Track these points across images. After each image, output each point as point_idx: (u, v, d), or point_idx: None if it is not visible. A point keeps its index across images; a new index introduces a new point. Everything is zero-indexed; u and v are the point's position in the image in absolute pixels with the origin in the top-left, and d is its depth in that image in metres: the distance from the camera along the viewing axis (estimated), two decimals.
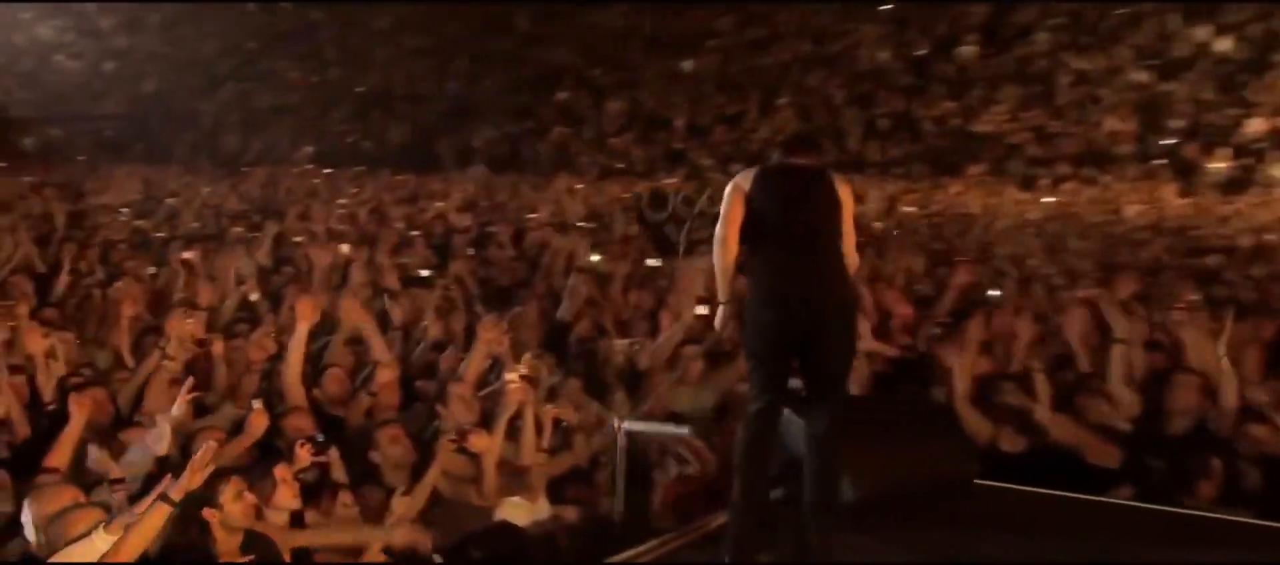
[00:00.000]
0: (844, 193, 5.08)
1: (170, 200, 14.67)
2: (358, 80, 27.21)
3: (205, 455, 4.23)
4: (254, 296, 8.29)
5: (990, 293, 9.23)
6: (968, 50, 25.70)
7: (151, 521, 4.08)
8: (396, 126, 25.05)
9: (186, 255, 9.42)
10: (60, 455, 5.19)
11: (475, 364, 6.39)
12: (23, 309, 6.68)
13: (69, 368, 6.78)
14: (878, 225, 14.43)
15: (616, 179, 21.17)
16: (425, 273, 9.65)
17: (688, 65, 26.90)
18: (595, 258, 9.69)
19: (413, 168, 21.90)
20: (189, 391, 5.54)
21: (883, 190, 19.01)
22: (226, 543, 4.64)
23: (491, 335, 6.45)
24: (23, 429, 5.73)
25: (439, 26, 28.43)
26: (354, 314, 7.06)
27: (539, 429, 5.94)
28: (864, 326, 7.58)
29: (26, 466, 5.36)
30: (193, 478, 4.19)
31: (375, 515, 5.33)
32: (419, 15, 28.76)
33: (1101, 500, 6.08)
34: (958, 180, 20.60)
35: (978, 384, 6.89)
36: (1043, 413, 6.44)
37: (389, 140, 24.80)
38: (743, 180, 5.08)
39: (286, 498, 5.02)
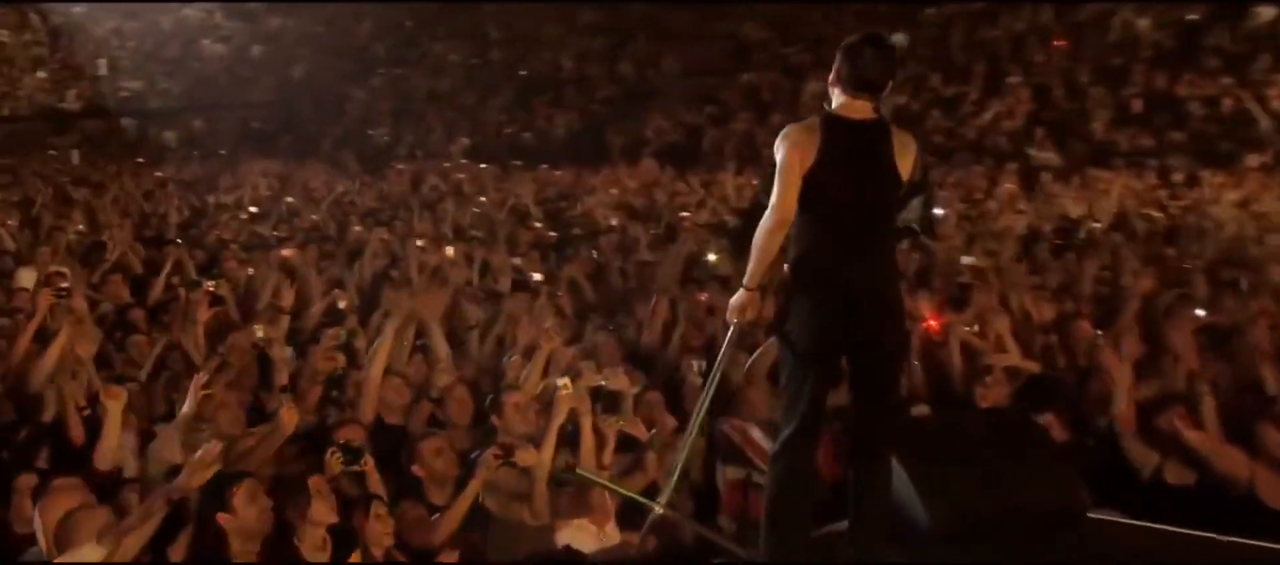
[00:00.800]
0: (903, 161, 4.91)
1: (289, 199, 15.75)
2: (522, 63, 28.22)
3: (207, 455, 4.77)
4: (343, 303, 8.96)
5: (1198, 312, 9.09)
6: (1267, 12, 24.63)
7: (149, 522, 4.63)
8: (562, 115, 25.89)
9: (286, 254, 10.27)
10: (104, 455, 5.90)
11: (535, 372, 6.81)
12: (79, 304, 7.50)
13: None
14: (1096, 225, 14.16)
15: None
16: (538, 277, 10.15)
17: (899, 39, 26.75)
18: (712, 257, 9.99)
19: (577, 161, 22.57)
20: (200, 388, 6.13)
21: (1128, 185, 18.53)
22: (243, 549, 5.19)
23: (550, 341, 6.84)
24: (77, 432, 6.47)
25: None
26: (423, 314, 7.59)
27: (601, 444, 6.27)
28: (1011, 340, 7.70)
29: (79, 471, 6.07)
30: (192, 478, 4.73)
31: (412, 531, 5.79)
32: None
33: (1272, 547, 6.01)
34: (1228, 173, 19.82)
35: (1142, 407, 6.92)
36: (1203, 440, 6.40)
37: (553, 131, 25.64)
38: (803, 136, 4.83)
39: (322, 511, 5.51)
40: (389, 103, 27.86)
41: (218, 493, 5.17)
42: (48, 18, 31.76)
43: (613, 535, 6.34)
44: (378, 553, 5.69)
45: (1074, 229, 13.97)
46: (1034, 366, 7.58)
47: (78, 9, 31.78)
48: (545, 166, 22.47)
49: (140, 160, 24.15)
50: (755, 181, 19.23)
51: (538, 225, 14.27)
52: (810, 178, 4.82)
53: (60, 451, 6.42)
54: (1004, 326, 7.86)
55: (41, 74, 31.15)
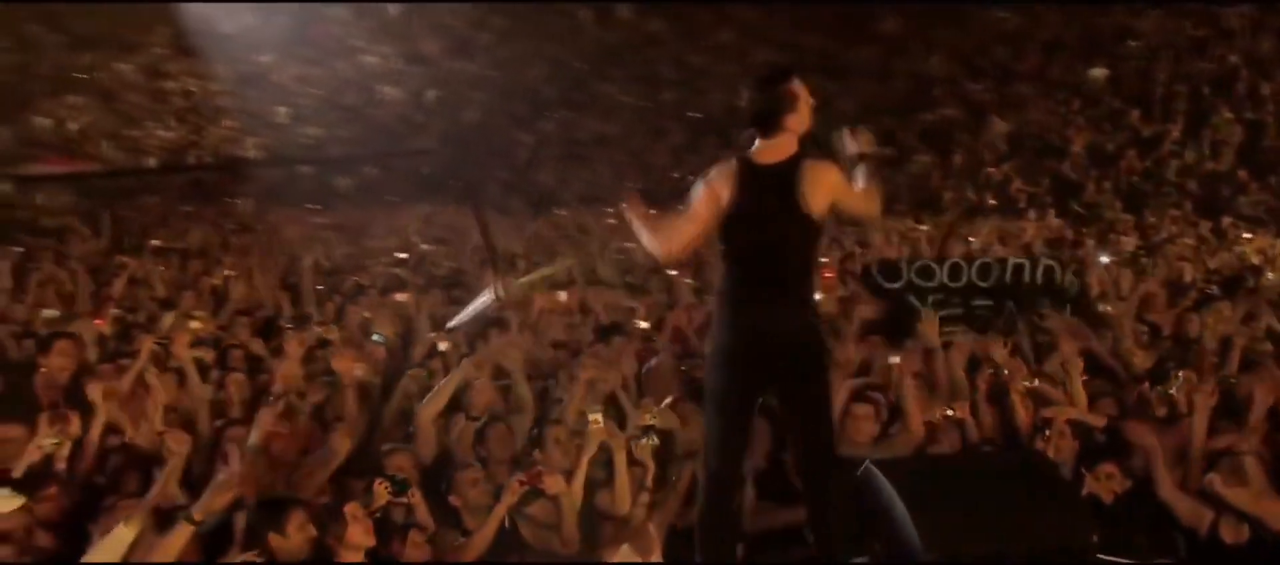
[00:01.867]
0: (815, 195, 5.36)
1: (425, 245, 16.87)
2: (694, 104, 29.05)
3: (228, 477, 5.61)
4: (443, 345, 9.80)
5: None
6: None
7: (173, 540, 5.49)
8: (726, 156, 26.53)
9: (399, 297, 11.25)
10: (164, 497, 6.79)
11: (575, 404, 7.49)
12: (182, 348, 8.50)
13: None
14: (1271, 276, 14.09)
15: (986, 218, 21.48)
16: (644, 325, 10.81)
17: (1098, 74, 26.65)
18: (817, 297, 10.46)
19: None
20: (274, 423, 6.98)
21: None
22: None
23: (590, 373, 7.51)
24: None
25: (795, 36, 29.81)
26: (506, 355, 8.36)
27: (643, 471, 6.88)
28: (1080, 393, 8.02)
29: None
30: (214, 499, 5.58)
31: (444, 556, 6.52)
32: (775, 24, 30.33)
33: None
34: None
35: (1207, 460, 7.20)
36: (1245, 499, 6.65)
37: None
38: (718, 181, 5.47)
39: (358, 535, 6.29)
40: (558, 147, 29.01)
41: (274, 514, 6.03)
42: (235, 66, 33.97)
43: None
44: None
45: (1240, 279, 13.93)
46: (1099, 420, 7.88)
47: (265, 58, 34.04)
48: None
49: (312, 206, 25.74)
50: (921, 227, 19.54)
51: (672, 272, 14.92)
52: (725, 222, 5.48)
53: (147, 480, 7.37)
54: (1075, 379, 8.18)
55: (227, 123, 33.26)
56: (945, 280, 9.85)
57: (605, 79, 30.24)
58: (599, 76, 30.42)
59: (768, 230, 5.44)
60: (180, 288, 13.79)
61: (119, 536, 5.45)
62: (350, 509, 6.33)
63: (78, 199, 25.42)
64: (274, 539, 6.02)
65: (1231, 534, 6.90)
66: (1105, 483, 7.19)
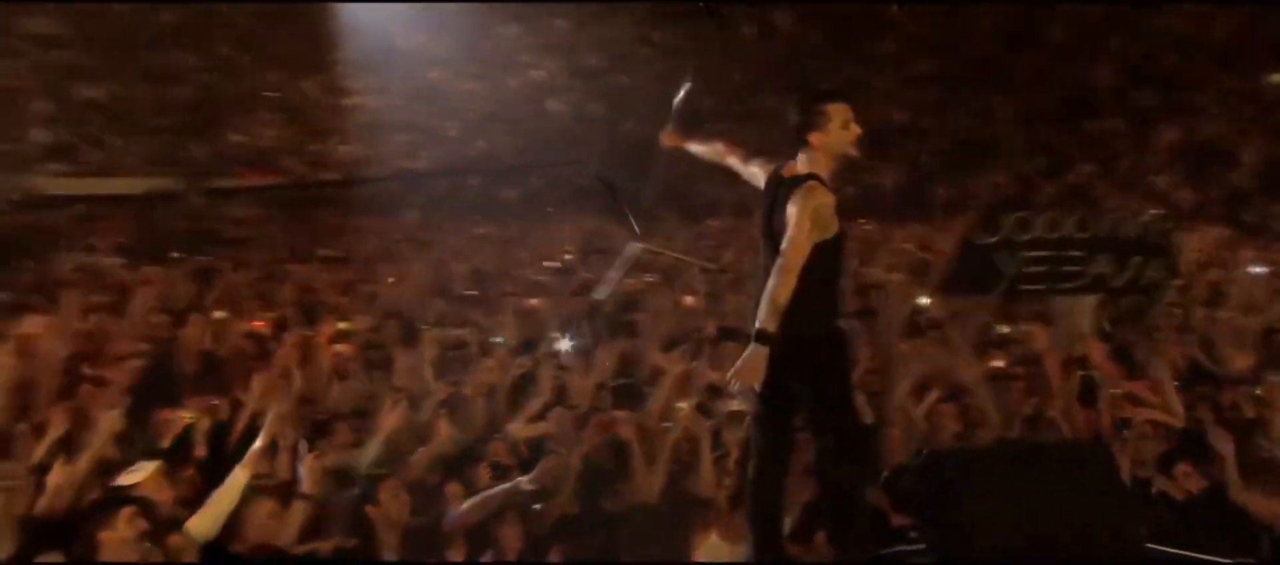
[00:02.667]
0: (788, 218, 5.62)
1: (568, 255, 17.65)
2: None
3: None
4: (561, 345, 10.54)
5: None
6: None
7: (293, 514, 6.36)
8: (888, 168, 26.77)
9: (528, 303, 12.05)
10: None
11: (661, 397, 8.09)
12: (323, 343, 9.40)
13: None
14: None
15: None
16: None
17: (1276, 80, 26.16)
18: (925, 301, 10.89)
19: (897, 217, 23.46)
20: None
21: None
22: (388, 538, 6.78)
23: (677, 369, 8.11)
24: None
25: (957, 45, 29.88)
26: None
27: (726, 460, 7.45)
28: (1172, 396, 8.32)
29: None
30: (310, 480, 6.45)
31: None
32: (937, 32, 30.42)
33: None
34: None
35: None
36: None
37: (880, 185, 26.55)
38: (763, 170, 6.12)
39: None
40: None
41: (369, 489, 6.85)
42: (410, 82, 35.34)
43: (742, 554, 7.47)
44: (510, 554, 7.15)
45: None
46: (1177, 421, 8.17)
47: (434, 73, 35.39)
48: (862, 221, 23.43)
49: (476, 217, 26.79)
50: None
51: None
52: None
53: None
54: (1166, 382, 8.48)
55: (401, 137, 34.59)
56: (1042, 233, 9.84)
57: (763, 90, 30.68)
58: (758, 89, 30.85)
59: (768, 235, 5.94)
60: (341, 293, 14.77)
61: (236, 479, 6.29)
62: (451, 488, 7.12)
63: (263, 210, 26.96)
64: (370, 510, 6.81)
65: None
66: (1179, 482, 7.50)
